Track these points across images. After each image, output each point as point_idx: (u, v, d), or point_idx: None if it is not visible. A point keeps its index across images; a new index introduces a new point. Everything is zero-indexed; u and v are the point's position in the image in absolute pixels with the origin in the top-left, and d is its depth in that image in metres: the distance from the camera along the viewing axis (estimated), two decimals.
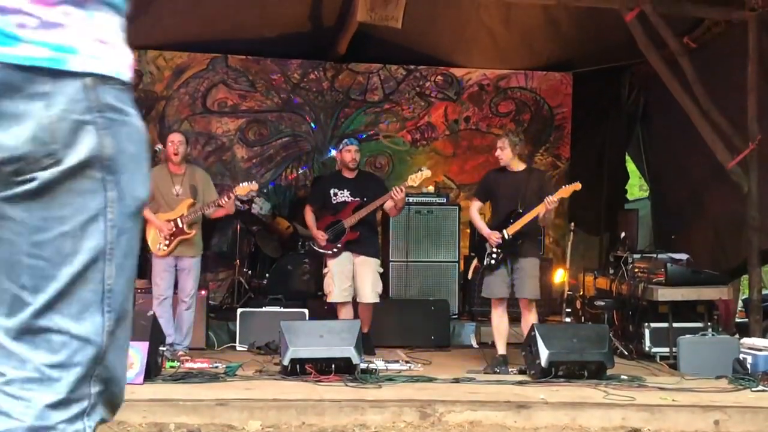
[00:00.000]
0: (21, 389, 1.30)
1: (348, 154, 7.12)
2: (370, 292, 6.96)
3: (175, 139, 6.90)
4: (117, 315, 1.37)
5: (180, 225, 6.72)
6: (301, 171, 9.79)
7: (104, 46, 1.39)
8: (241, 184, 6.91)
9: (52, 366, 1.30)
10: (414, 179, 6.88)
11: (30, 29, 1.29)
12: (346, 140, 7.42)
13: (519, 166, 6.62)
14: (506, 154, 6.55)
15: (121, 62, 1.42)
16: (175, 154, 6.80)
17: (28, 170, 1.29)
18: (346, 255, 7.00)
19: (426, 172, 7.00)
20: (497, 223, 6.58)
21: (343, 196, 7.08)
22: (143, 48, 9.41)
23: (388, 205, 7.05)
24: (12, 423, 1.28)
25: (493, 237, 6.45)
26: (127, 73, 1.42)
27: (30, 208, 1.31)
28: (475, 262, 6.89)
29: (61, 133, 1.30)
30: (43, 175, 1.29)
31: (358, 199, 7.03)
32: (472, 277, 7.28)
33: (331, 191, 7.13)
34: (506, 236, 6.43)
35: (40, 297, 1.31)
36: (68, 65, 1.31)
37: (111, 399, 1.37)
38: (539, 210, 6.33)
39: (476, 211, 6.79)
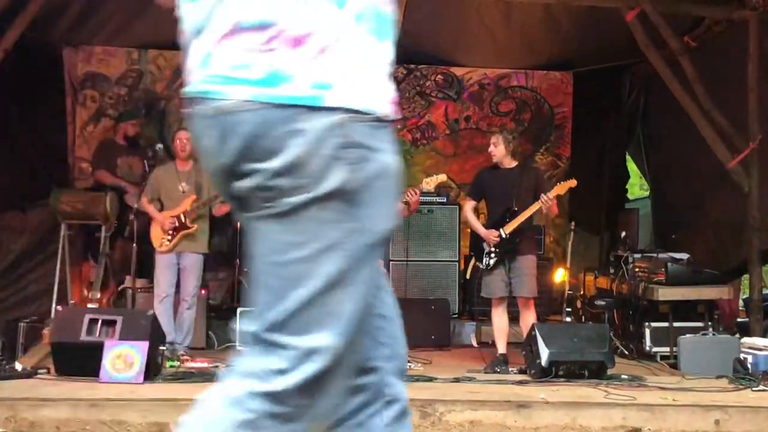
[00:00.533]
0: (236, 373, 1.49)
1: None
2: None
3: (183, 136, 6.95)
4: (344, 339, 1.47)
5: (182, 220, 6.78)
6: None
7: (361, 82, 1.45)
8: None
9: (274, 371, 1.45)
10: (428, 182, 6.91)
11: (292, 70, 1.39)
12: None
13: (511, 164, 6.63)
14: (499, 151, 6.56)
15: (376, 97, 1.47)
16: (183, 151, 6.87)
17: (278, 197, 1.42)
18: None
19: (441, 176, 7.04)
20: (493, 222, 6.59)
21: None
22: (143, 47, 9.40)
23: (400, 206, 7.07)
24: (224, 392, 1.50)
25: (491, 236, 6.46)
26: (382, 108, 1.47)
27: (274, 231, 1.45)
28: (473, 261, 6.89)
29: (311, 168, 1.40)
30: (291, 202, 1.42)
31: None
32: (471, 277, 7.27)
33: None
34: (503, 235, 6.43)
35: (271, 313, 1.46)
36: (324, 102, 1.40)
37: (314, 417, 1.51)
38: (535, 208, 6.34)
39: (471, 211, 6.80)
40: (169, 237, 6.77)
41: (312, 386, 1.45)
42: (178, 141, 6.96)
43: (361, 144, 1.43)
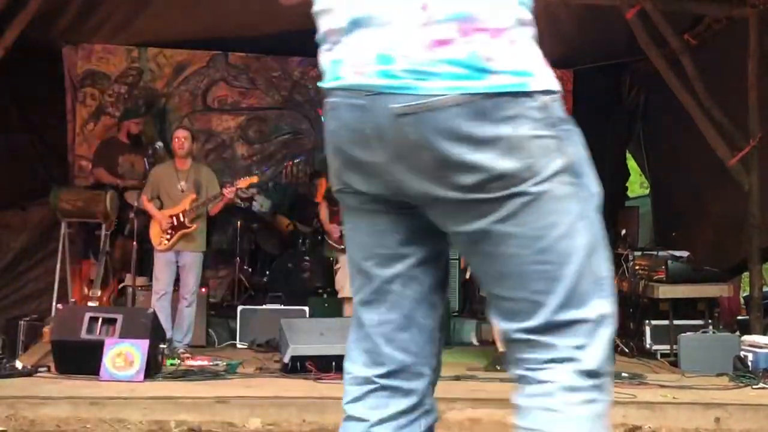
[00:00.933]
0: (545, 367, 1.51)
1: None
2: None
3: (181, 134, 6.98)
4: (613, 297, 1.56)
5: (181, 219, 6.79)
6: (296, 161, 9.78)
7: (543, 64, 1.53)
8: (242, 178, 7.06)
9: (577, 347, 1.50)
10: None
11: (495, 61, 1.44)
12: None
13: None
14: None
15: (552, 75, 1.54)
16: (180, 149, 6.88)
17: (510, 185, 1.46)
18: None
19: None
20: None
21: None
22: (143, 45, 9.40)
23: None
24: (546, 386, 1.51)
25: None
26: (557, 84, 1.54)
27: (523, 221, 1.48)
28: None
29: (532, 150, 1.46)
30: (527, 189, 1.47)
31: None
32: (470, 277, 7.24)
33: None
34: None
35: (552, 298, 1.50)
36: (529, 87, 1.46)
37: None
38: None
39: None
40: (168, 236, 6.79)
41: (610, 350, 1.54)
42: (176, 139, 6.97)
43: (564, 119, 1.51)
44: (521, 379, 1.56)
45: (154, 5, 8.30)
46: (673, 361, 6.74)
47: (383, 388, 1.69)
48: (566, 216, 1.50)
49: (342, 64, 1.55)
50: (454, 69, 1.43)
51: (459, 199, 1.50)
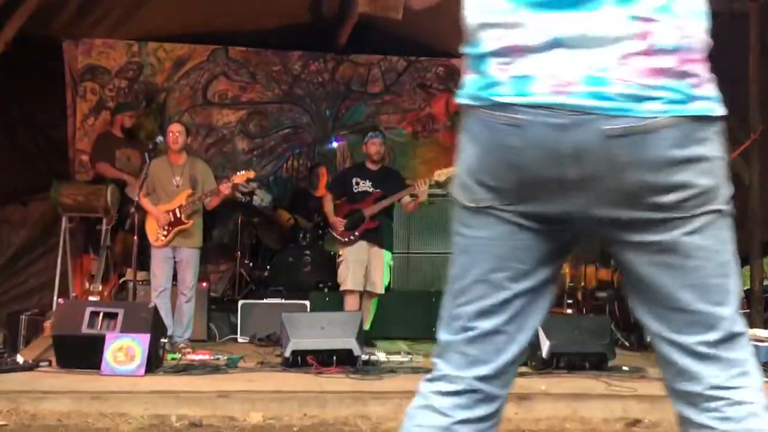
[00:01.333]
0: (733, 383, 1.59)
1: (373, 146, 7.27)
2: (380, 283, 7.05)
3: (175, 129, 6.96)
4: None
5: (178, 215, 6.78)
6: (296, 151, 9.80)
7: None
8: (238, 173, 7.00)
9: (747, 360, 1.64)
10: (440, 174, 6.91)
11: (698, 87, 1.55)
12: (371, 133, 7.53)
13: None
14: None
15: None
16: (174, 144, 6.86)
17: (705, 203, 1.56)
18: (361, 244, 7.07)
19: (453, 169, 6.99)
20: None
21: (365, 186, 7.20)
22: (144, 39, 9.40)
23: (406, 199, 7.12)
24: (749, 407, 1.58)
25: None
26: None
27: (711, 235, 1.57)
28: None
29: (719, 171, 1.58)
30: (717, 206, 1.57)
31: (380, 190, 7.11)
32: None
33: (353, 180, 7.24)
34: None
35: (726, 309, 1.60)
36: (716, 112, 1.56)
37: None
38: None
39: None
40: (165, 232, 6.77)
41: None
42: (170, 134, 6.93)
43: (721, 142, 1.60)
44: (707, 399, 1.60)
45: (155, 0, 8.30)
46: None
47: (476, 391, 1.73)
48: (729, 231, 1.61)
49: (534, 81, 1.55)
50: (670, 94, 1.51)
51: (651, 218, 1.57)
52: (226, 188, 6.85)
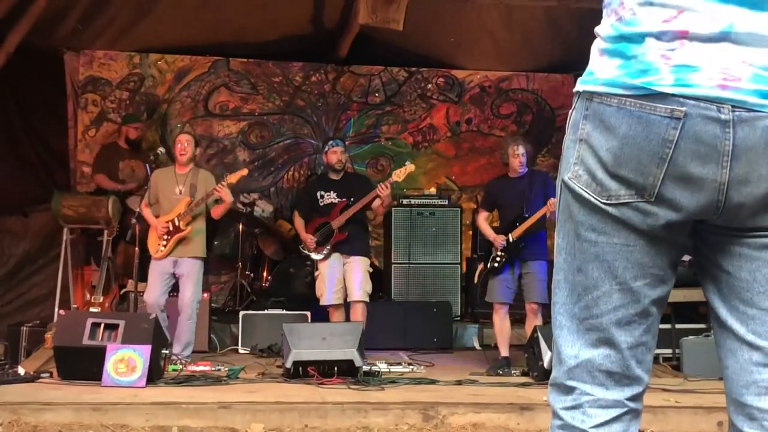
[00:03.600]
0: None
1: (333, 155, 7.01)
2: (358, 290, 6.76)
3: (184, 139, 6.93)
4: None
5: (176, 224, 6.70)
6: (306, 159, 9.84)
7: None
8: (231, 174, 6.90)
9: None
10: (398, 174, 6.82)
11: None
12: (331, 141, 7.24)
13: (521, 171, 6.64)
14: (525, 161, 6.59)
15: None
16: (182, 154, 6.83)
17: None
18: (335, 257, 6.89)
19: (410, 167, 6.92)
20: (504, 229, 6.61)
21: (330, 197, 6.99)
22: (145, 51, 9.43)
23: (376, 203, 6.92)
24: None
25: (498, 240, 6.48)
26: None
27: None
28: (480, 266, 6.84)
29: None
30: None
31: (344, 199, 6.94)
32: (479, 282, 7.14)
33: (318, 194, 7.04)
34: (510, 239, 6.44)
35: None
36: None
37: None
38: (543, 212, 6.33)
39: (484, 220, 6.80)
40: (164, 242, 6.70)
41: None
42: (178, 144, 6.91)
43: None
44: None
45: (156, 12, 8.33)
46: (675, 365, 6.74)
47: (630, 411, 1.66)
48: None
49: (698, 72, 1.48)
50: None
51: None
52: (221, 188, 6.73)
